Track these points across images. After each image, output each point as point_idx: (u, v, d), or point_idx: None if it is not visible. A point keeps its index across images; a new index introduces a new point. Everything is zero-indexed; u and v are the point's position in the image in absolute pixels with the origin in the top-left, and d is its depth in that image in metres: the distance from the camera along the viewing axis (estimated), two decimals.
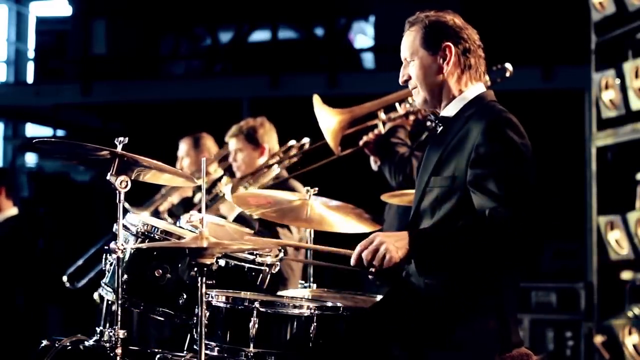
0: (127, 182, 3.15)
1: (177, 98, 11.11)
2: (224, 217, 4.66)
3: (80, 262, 5.55)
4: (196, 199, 5.34)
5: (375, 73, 10.95)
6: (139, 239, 3.26)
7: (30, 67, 13.20)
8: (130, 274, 3.21)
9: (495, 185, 2.72)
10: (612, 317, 6.42)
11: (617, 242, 6.33)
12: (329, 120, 4.33)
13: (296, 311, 2.91)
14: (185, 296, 3.17)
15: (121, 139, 3.12)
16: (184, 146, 5.87)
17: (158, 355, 3.10)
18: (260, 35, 12.93)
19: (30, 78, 13.04)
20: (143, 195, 5.49)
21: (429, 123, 4.41)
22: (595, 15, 6.69)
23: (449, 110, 2.96)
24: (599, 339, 6.43)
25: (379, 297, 3.39)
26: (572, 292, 7.40)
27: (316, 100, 4.34)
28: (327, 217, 3.51)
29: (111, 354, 3.09)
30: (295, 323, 2.91)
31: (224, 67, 13.26)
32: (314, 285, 3.62)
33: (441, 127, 2.97)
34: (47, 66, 13.85)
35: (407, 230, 2.87)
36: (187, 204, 5.56)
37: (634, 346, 6.11)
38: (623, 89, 6.27)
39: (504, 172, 2.73)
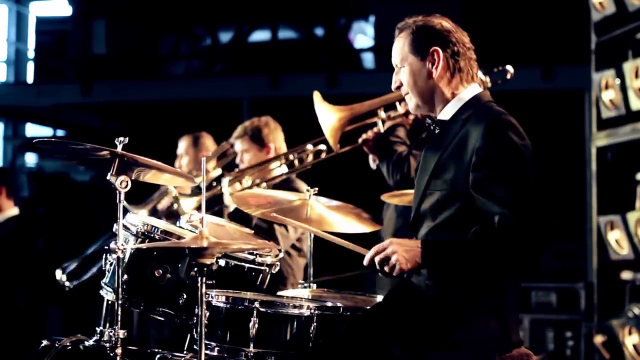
0: (127, 182, 3.15)
1: (177, 98, 11.11)
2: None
3: (78, 260, 5.54)
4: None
5: (375, 73, 10.94)
6: (139, 239, 3.26)
7: (30, 67, 13.20)
8: (130, 274, 3.21)
9: (499, 188, 2.73)
10: (612, 317, 6.42)
11: (617, 242, 6.33)
12: (329, 117, 4.34)
13: (296, 311, 2.91)
14: (185, 296, 3.17)
15: (121, 139, 3.12)
16: (183, 144, 5.87)
17: (158, 355, 3.10)
18: (260, 35, 12.93)
19: (30, 78, 13.04)
20: (142, 194, 5.48)
21: (428, 121, 4.43)
22: (595, 15, 6.69)
23: (445, 113, 2.96)
24: (599, 339, 6.43)
25: (379, 297, 3.39)
26: (572, 292, 7.40)
27: (316, 96, 4.34)
28: (327, 217, 3.51)
29: (111, 354, 3.09)
30: (295, 323, 2.91)
31: (224, 67, 13.26)
32: (314, 285, 3.62)
33: (438, 130, 2.97)
34: (47, 66, 13.85)
35: (410, 231, 2.90)
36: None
37: (634, 346, 6.11)
38: (623, 89, 6.27)
39: (506, 174, 2.74)
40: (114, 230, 3.19)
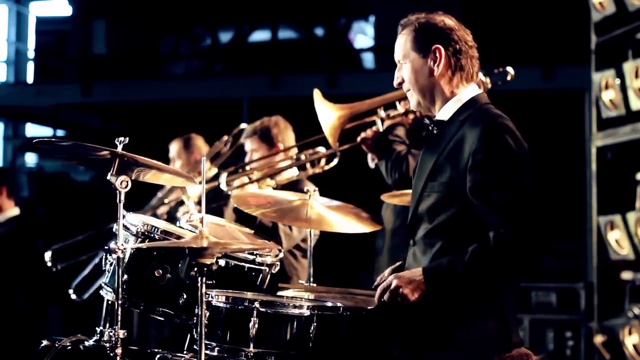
0: (127, 182, 3.15)
1: (177, 98, 11.11)
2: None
3: (84, 273, 5.52)
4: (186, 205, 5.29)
5: (375, 73, 10.95)
6: (139, 239, 3.26)
7: (30, 67, 13.21)
8: (130, 274, 3.21)
9: (495, 193, 2.74)
10: (612, 317, 6.42)
11: (617, 242, 6.33)
12: (329, 115, 4.34)
13: (296, 311, 2.91)
14: (185, 296, 3.17)
15: (121, 139, 3.12)
16: (174, 148, 5.88)
17: (158, 355, 3.10)
18: (260, 35, 12.94)
19: (30, 78, 13.04)
20: (141, 197, 5.48)
21: (426, 121, 4.43)
22: (595, 15, 6.69)
23: (444, 113, 2.97)
24: (599, 339, 6.43)
25: None
26: (572, 292, 7.40)
27: (317, 94, 4.35)
28: (327, 217, 3.52)
29: (111, 354, 3.09)
30: (295, 323, 2.91)
31: (224, 67, 13.26)
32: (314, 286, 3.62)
33: (436, 131, 2.98)
34: (47, 66, 13.85)
35: (407, 232, 2.92)
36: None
37: (634, 346, 6.11)
38: (623, 89, 6.27)
39: (502, 178, 2.75)
40: (114, 230, 3.19)
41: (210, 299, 2.97)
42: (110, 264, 3.27)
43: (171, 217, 5.46)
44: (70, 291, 5.49)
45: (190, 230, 3.41)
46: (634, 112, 6.26)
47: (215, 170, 5.26)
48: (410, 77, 2.99)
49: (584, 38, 6.95)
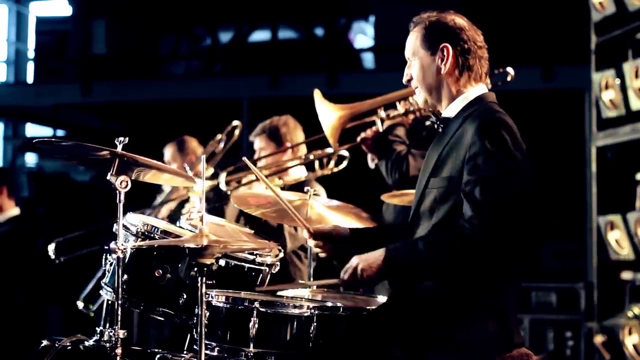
0: (127, 182, 3.15)
1: (177, 98, 11.11)
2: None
3: (91, 285, 5.52)
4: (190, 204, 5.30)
5: (375, 73, 10.95)
6: (139, 239, 3.26)
7: (30, 67, 13.20)
8: (130, 274, 3.21)
9: (477, 190, 2.74)
10: (612, 317, 6.42)
11: (617, 242, 6.33)
12: (329, 115, 4.34)
13: (296, 311, 2.91)
14: (185, 296, 3.17)
15: (121, 139, 3.12)
16: (169, 152, 5.88)
17: (158, 355, 3.10)
18: (260, 35, 12.94)
19: (30, 78, 13.04)
20: (141, 198, 5.48)
21: (428, 122, 4.43)
22: (595, 15, 6.69)
23: (450, 110, 2.97)
24: (599, 339, 6.43)
25: (379, 298, 3.40)
26: (572, 292, 7.40)
27: (317, 95, 4.35)
28: (327, 217, 3.52)
29: (111, 354, 3.09)
30: (295, 323, 2.91)
31: (224, 67, 13.26)
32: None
33: (442, 128, 2.98)
34: (47, 66, 13.85)
35: (407, 230, 2.95)
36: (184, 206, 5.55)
37: (634, 346, 6.11)
38: (623, 89, 6.27)
39: (489, 176, 2.74)
40: (114, 230, 3.19)
41: (210, 299, 2.97)
42: (110, 264, 3.27)
43: (172, 221, 5.46)
44: (79, 303, 5.48)
45: (190, 230, 3.41)
46: (634, 112, 6.26)
47: (212, 170, 5.25)
48: (418, 75, 3.00)
49: (584, 38, 6.95)
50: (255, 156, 4.94)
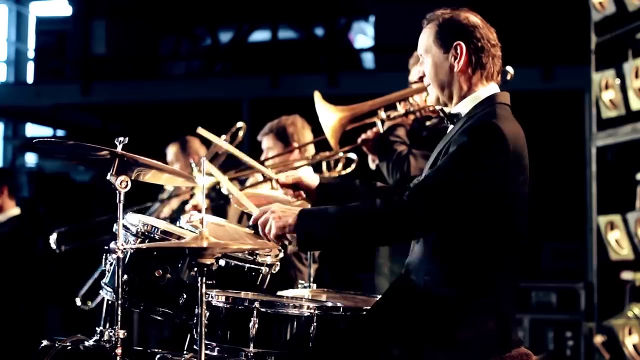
0: (127, 182, 3.15)
1: (177, 98, 11.12)
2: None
3: (89, 282, 5.52)
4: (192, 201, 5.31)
5: (375, 73, 10.95)
6: (139, 239, 3.26)
7: (30, 67, 13.21)
8: (130, 274, 3.21)
9: (431, 175, 2.79)
10: (612, 317, 6.42)
11: (617, 242, 6.33)
12: (330, 117, 4.34)
13: (296, 311, 2.91)
14: (185, 296, 3.17)
15: (121, 139, 3.12)
16: (171, 151, 5.88)
17: (158, 355, 3.10)
18: (260, 35, 12.94)
19: (30, 78, 13.05)
20: (142, 197, 5.48)
21: (428, 123, 4.43)
22: (595, 15, 6.69)
23: (459, 108, 2.97)
24: (599, 339, 6.43)
25: (379, 298, 3.39)
26: (572, 292, 7.41)
27: (317, 96, 4.35)
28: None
29: (111, 354, 3.09)
30: (295, 323, 2.91)
31: (224, 67, 13.27)
32: (314, 285, 3.62)
33: (450, 125, 2.99)
34: (47, 66, 13.86)
35: None
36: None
37: (634, 346, 6.11)
38: (623, 89, 6.27)
39: (448, 169, 2.76)
40: (114, 230, 3.19)
41: (210, 299, 2.97)
42: (110, 264, 3.27)
43: (173, 221, 5.46)
44: (77, 300, 5.48)
45: (190, 231, 3.41)
46: (634, 112, 6.26)
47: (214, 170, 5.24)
48: (430, 72, 2.99)
49: (584, 38, 6.95)
50: (263, 156, 4.94)
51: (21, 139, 13.21)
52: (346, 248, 2.84)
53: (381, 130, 4.47)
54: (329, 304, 3.02)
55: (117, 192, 3.14)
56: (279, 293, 3.34)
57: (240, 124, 5.05)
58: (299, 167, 4.68)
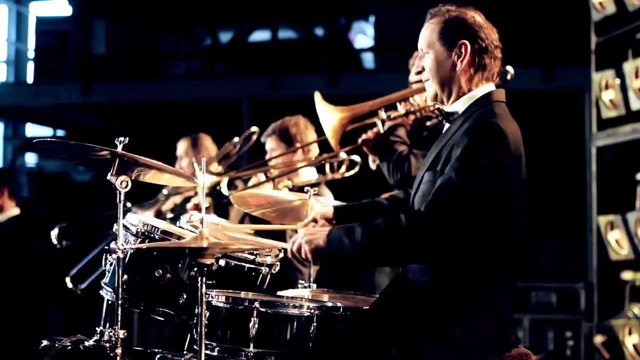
0: (127, 182, 3.15)
1: (177, 98, 11.12)
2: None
3: (82, 263, 5.53)
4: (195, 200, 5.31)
5: (375, 73, 10.95)
6: (139, 239, 3.26)
7: (30, 67, 13.21)
8: (130, 274, 3.21)
9: (443, 189, 2.75)
10: (612, 317, 6.42)
11: (617, 242, 6.33)
12: (330, 117, 4.34)
13: (296, 311, 2.91)
14: (185, 296, 3.17)
15: (121, 139, 3.12)
16: (182, 146, 5.87)
17: (158, 355, 3.10)
18: (260, 35, 12.94)
19: (30, 78, 13.04)
20: (146, 193, 5.48)
21: (428, 123, 4.43)
22: (595, 15, 6.69)
23: (455, 106, 2.96)
24: (599, 339, 6.43)
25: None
26: (572, 292, 7.41)
27: (317, 97, 4.35)
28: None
29: (111, 354, 3.09)
30: (295, 323, 2.91)
31: (224, 67, 13.26)
32: (314, 285, 3.62)
33: (447, 124, 2.98)
34: (47, 66, 13.86)
35: None
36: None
37: (634, 346, 6.11)
38: (623, 89, 6.27)
39: (458, 177, 2.73)
40: (114, 230, 3.19)
41: (210, 299, 2.97)
42: (110, 264, 3.27)
43: (176, 218, 5.46)
44: (67, 279, 5.49)
45: (190, 231, 3.41)
46: (634, 112, 6.26)
47: (220, 170, 5.24)
48: (431, 68, 2.97)
49: (584, 38, 6.95)
50: (267, 157, 4.93)
51: (21, 139, 13.21)
52: (375, 265, 2.84)
53: (382, 131, 4.47)
54: (329, 304, 3.02)
55: (117, 192, 3.14)
56: (279, 293, 3.34)
57: (254, 128, 5.02)
58: (301, 167, 4.68)
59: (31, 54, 13.33)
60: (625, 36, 6.56)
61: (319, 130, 4.42)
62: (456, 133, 2.87)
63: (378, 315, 2.90)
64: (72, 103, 11.77)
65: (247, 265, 3.26)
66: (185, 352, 3.17)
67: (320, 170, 4.72)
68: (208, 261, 2.75)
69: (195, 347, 2.91)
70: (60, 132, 13.88)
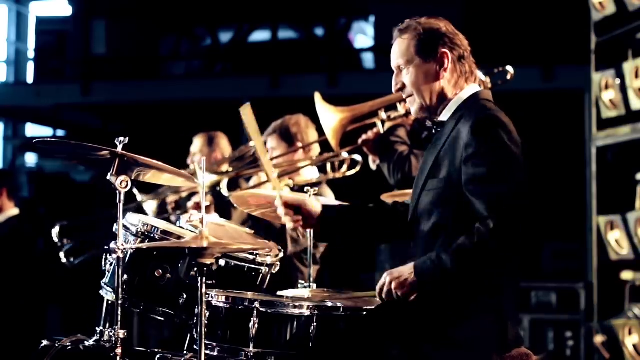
0: (127, 182, 3.15)
1: (177, 98, 11.11)
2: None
3: (78, 239, 5.53)
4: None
5: (375, 73, 10.94)
6: (139, 239, 3.26)
7: (30, 67, 13.20)
8: (130, 274, 3.21)
9: (485, 187, 2.74)
10: (612, 317, 6.42)
11: (617, 242, 6.33)
12: (330, 118, 4.34)
13: (296, 311, 2.91)
14: (185, 296, 3.17)
15: (121, 139, 3.12)
16: (197, 143, 5.83)
17: (158, 355, 3.10)
18: (260, 35, 12.93)
19: (30, 78, 13.04)
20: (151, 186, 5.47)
21: (429, 123, 4.43)
22: (595, 15, 6.69)
23: (446, 114, 2.97)
24: (599, 339, 6.43)
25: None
26: (572, 292, 7.40)
27: (318, 97, 4.35)
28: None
29: (111, 354, 3.09)
30: (295, 323, 2.91)
31: (224, 67, 13.26)
32: (314, 285, 3.62)
33: (438, 130, 2.98)
34: (47, 66, 13.85)
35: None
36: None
37: (634, 346, 6.11)
38: (623, 89, 6.27)
39: (493, 173, 2.75)
40: (114, 230, 3.19)
41: (210, 299, 2.97)
42: (110, 264, 3.27)
43: (179, 206, 5.44)
44: (62, 254, 5.48)
45: (190, 231, 3.41)
46: (634, 112, 6.26)
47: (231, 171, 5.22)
48: (414, 82, 2.97)
49: (584, 38, 6.95)
50: (268, 156, 4.91)
51: (21, 139, 13.20)
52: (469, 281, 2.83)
53: (382, 131, 4.48)
54: (329, 304, 3.02)
55: (117, 192, 3.14)
56: (279, 293, 3.34)
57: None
58: (303, 167, 4.68)
59: (31, 54, 13.33)
60: (625, 36, 6.56)
61: (319, 130, 4.42)
62: (451, 136, 2.88)
63: (378, 315, 2.90)
64: (72, 103, 11.76)
65: (247, 265, 3.26)
66: (185, 352, 3.17)
67: (322, 169, 4.71)
68: (208, 261, 2.76)
69: (195, 347, 2.91)
70: (60, 132, 13.88)
